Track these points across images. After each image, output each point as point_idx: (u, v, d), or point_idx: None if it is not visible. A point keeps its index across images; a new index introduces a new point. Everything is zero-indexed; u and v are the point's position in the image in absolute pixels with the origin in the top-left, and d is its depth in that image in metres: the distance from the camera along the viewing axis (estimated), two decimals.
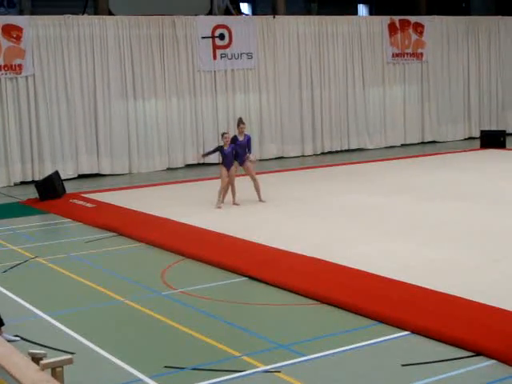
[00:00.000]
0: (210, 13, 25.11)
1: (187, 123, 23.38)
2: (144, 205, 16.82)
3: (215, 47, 23.49)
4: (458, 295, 9.50)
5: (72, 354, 7.82)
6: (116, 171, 22.62)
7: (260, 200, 16.58)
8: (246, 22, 24.35)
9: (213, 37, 23.39)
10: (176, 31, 22.96)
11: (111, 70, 22.31)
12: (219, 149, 16.51)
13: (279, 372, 7.55)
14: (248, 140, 16.64)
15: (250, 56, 24.03)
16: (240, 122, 16.79)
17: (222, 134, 16.67)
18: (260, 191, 16.66)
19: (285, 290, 10.31)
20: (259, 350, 8.22)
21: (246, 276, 11.05)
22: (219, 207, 16.10)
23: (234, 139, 16.50)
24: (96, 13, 23.51)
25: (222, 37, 23.53)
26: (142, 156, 22.94)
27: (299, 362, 7.84)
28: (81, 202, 17.59)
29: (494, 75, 29.01)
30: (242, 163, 16.52)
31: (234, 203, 16.46)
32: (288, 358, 7.93)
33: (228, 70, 23.78)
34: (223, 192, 16.35)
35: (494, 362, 7.62)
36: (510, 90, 29.40)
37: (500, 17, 29.38)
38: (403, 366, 7.63)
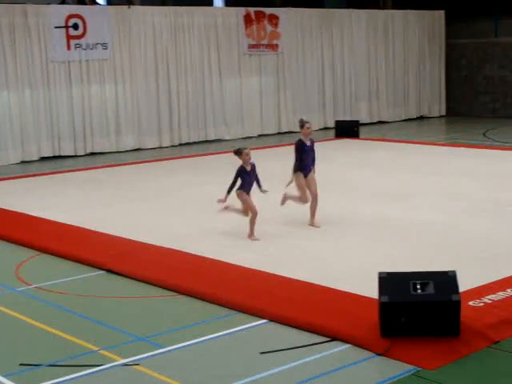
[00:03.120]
0: (63, 2, 24.54)
1: (41, 115, 22.79)
2: None
3: (69, 37, 22.97)
4: (314, 282, 9.70)
5: None
6: None
7: (313, 224, 12.85)
8: (100, 12, 23.95)
9: (66, 26, 22.89)
10: (28, 20, 22.30)
11: None
12: (240, 172, 12.19)
13: (138, 365, 7.50)
14: (313, 143, 13.01)
15: (105, 46, 23.66)
16: (304, 122, 12.91)
17: (240, 151, 12.16)
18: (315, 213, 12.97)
19: (143, 282, 10.24)
20: (117, 343, 8.13)
21: (103, 269, 10.91)
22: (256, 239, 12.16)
23: (301, 144, 12.82)
24: None
25: (75, 27, 23.04)
26: None
27: (158, 353, 7.81)
28: None
29: (348, 67, 29.71)
30: (307, 173, 12.87)
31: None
32: (147, 350, 7.89)
33: (83, 61, 23.32)
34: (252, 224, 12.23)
35: (348, 346, 7.83)
36: (362, 82, 30.19)
37: (351, 10, 30.11)
38: (261, 353, 7.72)
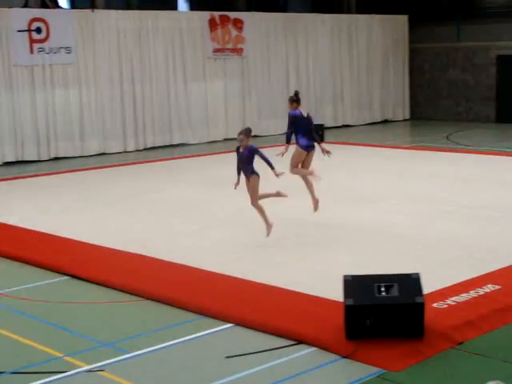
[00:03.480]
0: (26, 5, 24.34)
1: (4, 120, 22.53)
2: None
3: (32, 41, 22.77)
4: (279, 285, 9.71)
5: None
6: None
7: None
8: (63, 16, 23.76)
9: (29, 30, 22.70)
10: None
11: None
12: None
13: (103, 371, 7.45)
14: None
15: (68, 50, 23.48)
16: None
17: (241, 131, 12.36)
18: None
19: (107, 287, 10.19)
20: (82, 349, 8.07)
21: (68, 275, 10.83)
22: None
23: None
24: None
25: (38, 30, 22.86)
26: None
27: (123, 359, 7.77)
28: None
29: (312, 71, 29.78)
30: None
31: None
32: (112, 356, 7.84)
33: (46, 65, 23.13)
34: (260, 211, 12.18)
35: (314, 349, 7.84)
36: (327, 86, 30.29)
37: (316, 14, 30.20)
38: (227, 357, 7.71)
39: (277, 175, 11.95)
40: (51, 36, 23.06)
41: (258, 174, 11.94)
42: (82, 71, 23.88)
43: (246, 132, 12.15)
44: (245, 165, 11.92)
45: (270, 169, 11.91)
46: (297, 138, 13.22)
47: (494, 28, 30.34)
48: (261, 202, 12.10)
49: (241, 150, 11.98)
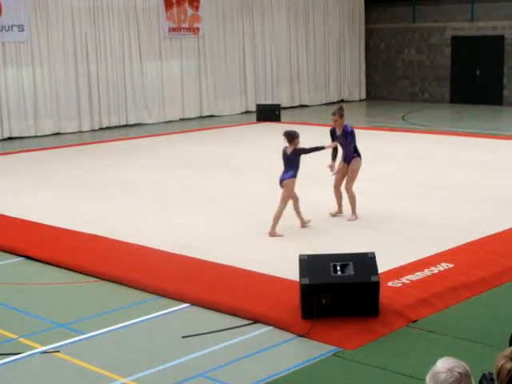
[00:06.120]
0: None
1: None
2: None
3: None
4: (235, 265, 9.72)
5: None
6: None
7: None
8: None
9: None
10: None
11: None
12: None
13: (58, 352, 7.41)
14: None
15: (21, 28, 23.14)
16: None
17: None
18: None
19: (63, 268, 10.12)
20: (37, 330, 8.02)
21: (22, 256, 10.74)
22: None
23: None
24: None
25: None
26: None
27: (79, 340, 7.74)
28: None
29: (269, 51, 29.73)
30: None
31: (349, 219, 12.22)
32: (67, 337, 7.81)
33: None
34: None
35: (270, 328, 7.89)
36: (283, 66, 30.27)
37: None
38: (184, 337, 7.72)
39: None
40: (3, 13, 22.68)
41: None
42: (36, 49, 23.55)
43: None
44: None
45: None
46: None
47: (448, 9, 30.53)
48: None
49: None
